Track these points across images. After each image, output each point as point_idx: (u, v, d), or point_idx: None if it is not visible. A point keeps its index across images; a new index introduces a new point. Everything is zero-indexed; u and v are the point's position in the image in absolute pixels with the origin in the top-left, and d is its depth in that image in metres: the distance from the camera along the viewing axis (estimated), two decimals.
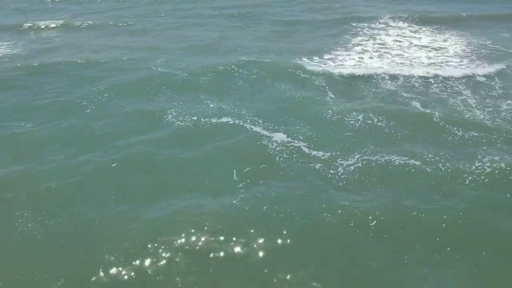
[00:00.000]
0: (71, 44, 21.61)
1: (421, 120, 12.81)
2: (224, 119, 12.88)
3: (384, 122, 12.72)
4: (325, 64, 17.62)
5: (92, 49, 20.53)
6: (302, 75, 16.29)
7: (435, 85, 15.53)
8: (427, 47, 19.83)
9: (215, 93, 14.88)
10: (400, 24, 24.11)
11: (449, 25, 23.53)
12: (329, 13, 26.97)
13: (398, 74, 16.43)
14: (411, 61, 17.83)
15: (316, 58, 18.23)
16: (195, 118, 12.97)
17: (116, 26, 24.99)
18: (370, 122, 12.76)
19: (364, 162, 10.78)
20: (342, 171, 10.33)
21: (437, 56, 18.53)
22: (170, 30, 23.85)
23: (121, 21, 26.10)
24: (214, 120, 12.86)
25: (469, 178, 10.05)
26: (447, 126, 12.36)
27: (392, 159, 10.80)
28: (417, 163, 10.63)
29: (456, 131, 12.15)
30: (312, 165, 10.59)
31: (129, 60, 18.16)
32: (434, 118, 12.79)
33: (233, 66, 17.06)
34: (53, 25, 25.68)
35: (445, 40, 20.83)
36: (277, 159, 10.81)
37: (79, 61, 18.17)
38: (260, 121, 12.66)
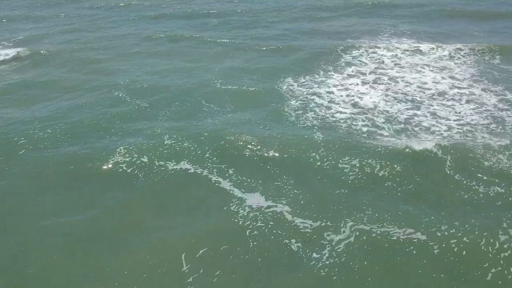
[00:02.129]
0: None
1: (431, 169, 10.48)
2: (183, 165, 10.71)
3: (385, 171, 10.42)
4: (317, 94, 15.27)
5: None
6: (286, 110, 13.93)
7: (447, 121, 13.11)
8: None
9: (174, 126, 12.64)
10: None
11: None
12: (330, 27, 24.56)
13: (400, 110, 14.02)
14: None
15: (305, 84, 15.92)
16: (145, 159, 10.85)
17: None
18: (368, 170, 10.47)
19: (357, 234, 8.54)
20: (328, 254, 8.09)
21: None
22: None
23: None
24: (170, 165, 10.70)
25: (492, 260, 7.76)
26: (464, 181, 10.00)
27: (391, 232, 8.53)
28: (423, 238, 8.35)
29: (476, 186, 9.79)
30: (291, 243, 8.37)
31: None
32: (447, 168, 10.43)
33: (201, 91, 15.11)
34: None
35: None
36: (248, 234, 8.62)
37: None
38: (231, 172, 10.46)
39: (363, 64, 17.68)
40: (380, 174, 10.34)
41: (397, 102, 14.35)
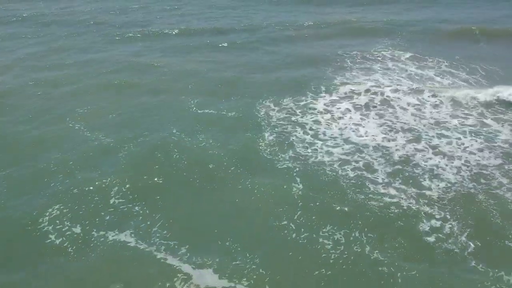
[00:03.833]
0: None
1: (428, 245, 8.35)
2: (124, 237, 8.51)
3: (374, 244, 8.27)
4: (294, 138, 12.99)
5: None
6: (260, 145, 11.71)
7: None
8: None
9: (126, 177, 10.40)
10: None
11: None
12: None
13: (397, 145, 11.79)
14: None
15: (287, 108, 13.65)
16: (79, 231, 8.66)
17: None
18: (355, 249, 8.28)
19: None
20: None
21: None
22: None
23: None
24: (110, 236, 8.52)
25: None
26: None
27: None
28: None
29: None
30: None
31: None
32: (466, 255, 8.27)
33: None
34: None
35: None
36: None
37: None
38: (183, 250, 8.27)
39: (357, 84, 15.31)
40: (368, 252, 8.16)
41: (394, 132, 12.14)
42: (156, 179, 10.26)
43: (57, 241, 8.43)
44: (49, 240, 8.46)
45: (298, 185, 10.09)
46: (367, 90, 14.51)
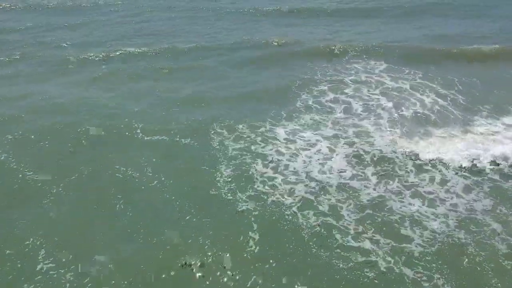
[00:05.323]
0: None
1: None
2: None
3: None
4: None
5: None
6: (217, 181, 9.83)
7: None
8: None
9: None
10: None
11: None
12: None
13: (367, 186, 10.07)
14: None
15: (244, 137, 11.78)
16: None
17: None
18: None
19: None
20: None
21: None
22: None
23: None
24: None
25: None
26: None
27: None
28: None
29: None
30: None
31: None
32: None
33: None
34: None
35: None
36: None
37: None
38: None
39: (326, 107, 13.48)
40: None
41: (365, 166, 10.38)
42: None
43: None
44: None
45: (255, 235, 8.25)
46: (335, 119, 12.69)
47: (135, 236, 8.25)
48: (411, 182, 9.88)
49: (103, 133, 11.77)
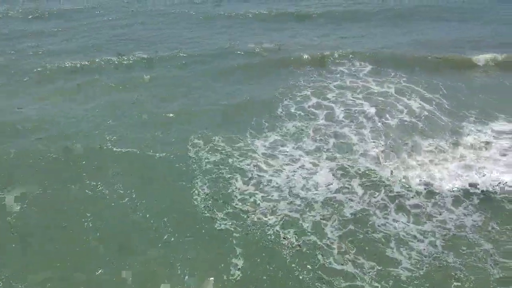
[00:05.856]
0: None
1: None
2: None
3: None
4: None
5: None
6: (195, 196, 9.30)
7: None
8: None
9: None
10: None
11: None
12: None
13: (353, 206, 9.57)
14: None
15: (220, 150, 11.20)
16: None
17: None
18: None
19: None
20: None
21: None
22: None
23: None
24: None
25: None
26: None
27: None
28: None
29: None
30: None
31: None
32: None
33: None
34: None
35: None
36: None
37: None
38: None
39: (310, 115, 12.95)
40: None
41: (349, 178, 9.86)
42: None
43: None
44: None
45: (238, 259, 7.80)
46: (318, 129, 12.12)
47: (108, 260, 7.68)
48: (398, 192, 9.41)
49: (75, 146, 11.18)
